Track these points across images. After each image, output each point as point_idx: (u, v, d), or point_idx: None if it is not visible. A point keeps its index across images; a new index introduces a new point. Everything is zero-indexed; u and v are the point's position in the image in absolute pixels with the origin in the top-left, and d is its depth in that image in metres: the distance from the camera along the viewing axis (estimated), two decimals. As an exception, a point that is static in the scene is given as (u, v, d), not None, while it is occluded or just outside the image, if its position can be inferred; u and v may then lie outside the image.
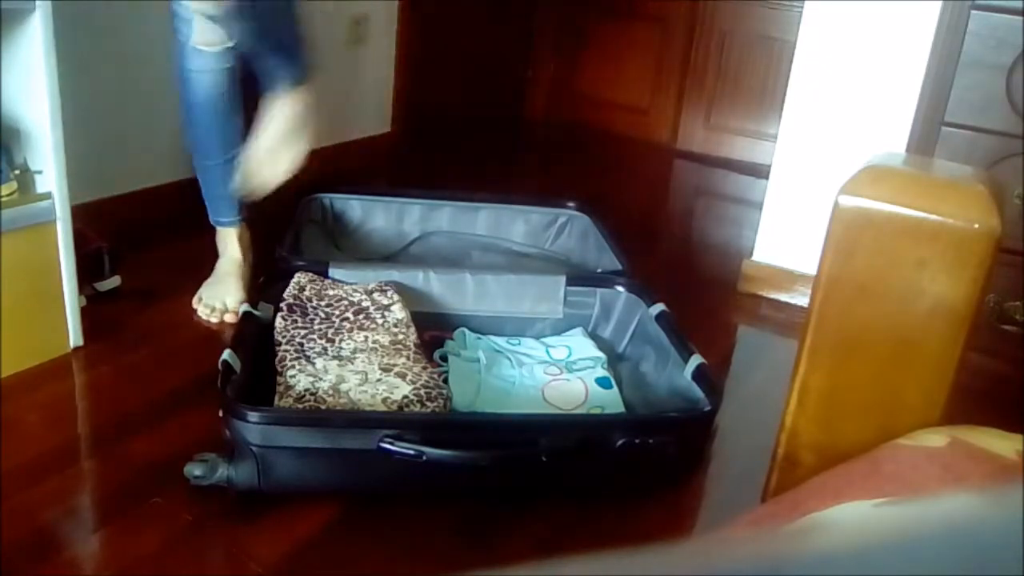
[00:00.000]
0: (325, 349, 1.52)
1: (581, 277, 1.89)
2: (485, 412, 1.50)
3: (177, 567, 1.18)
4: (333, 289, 1.69)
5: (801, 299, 2.18)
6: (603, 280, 1.88)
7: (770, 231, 2.30)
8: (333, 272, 1.76)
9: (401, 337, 1.59)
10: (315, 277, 1.71)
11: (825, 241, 1.15)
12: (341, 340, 1.55)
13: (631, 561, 0.21)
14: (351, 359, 1.50)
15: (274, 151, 1.85)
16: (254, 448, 1.25)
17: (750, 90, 3.58)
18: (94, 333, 1.70)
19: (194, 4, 1.63)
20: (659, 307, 1.74)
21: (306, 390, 1.40)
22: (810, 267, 1.27)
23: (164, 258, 2.13)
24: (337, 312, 1.63)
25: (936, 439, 1.02)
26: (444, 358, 1.65)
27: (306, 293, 1.66)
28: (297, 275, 1.69)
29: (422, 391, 1.42)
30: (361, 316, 1.62)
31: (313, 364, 1.47)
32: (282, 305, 1.62)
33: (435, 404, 1.42)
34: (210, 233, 1.95)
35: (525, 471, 1.36)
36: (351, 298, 1.67)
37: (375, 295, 1.69)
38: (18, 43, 1.51)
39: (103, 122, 2.20)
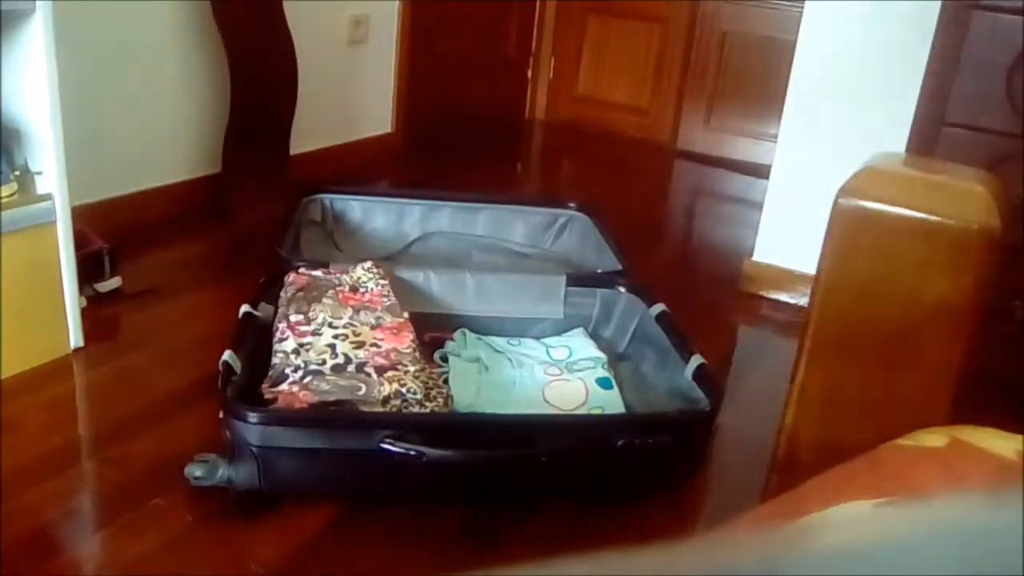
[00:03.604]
0: (319, 330, 1.53)
1: (581, 277, 1.89)
2: (485, 412, 1.50)
3: (177, 567, 1.18)
4: (326, 278, 1.71)
5: (801, 299, 2.18)
6: (603, 280, 1.88)
7: (770, 231, 2.30)
8: (333, 272, 1.76)
9: (389, 304, 1.64)
10: (307, 273, 1.72)
11: (825, 241, 1.15)
12: (337, 319, 1.57)
13: (631, 561, 0.21)
14: (346, 326, 1.54)
15: None
16: (254, 448, 1.25)
17: (750, 90, 3.58)
18: (94, 334, 1.70)
19: None
20: (659, 307, 1.74)
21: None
22: (810, 267, 1.27)
23: (164, 258, 2.13)
24: (331, 299, 1.64)
25: (936, 439, 1.02)
26: (444, 359, 1.65)
27: (301, 293, 1.66)
28: (292, 275, 1.70)
29: (420, 391, 1.42)
30: (356, 293, 1.66)
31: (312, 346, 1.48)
32: (280, 306, 1.62)
33: (435, 404, 1.42)
34: (210, 233, 1.95)
35: (525, 471, 1.36)
36: (342, 284, 1.69)
37: (362, 276, 1.72)
38: (18, 43, 1.51)
39: (103, 122, 2.20)
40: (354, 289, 1.68)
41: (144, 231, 2.21)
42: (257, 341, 1.52)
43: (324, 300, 1.61)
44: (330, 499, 1.32)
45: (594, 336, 1.81)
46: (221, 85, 2.39)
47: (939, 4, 1.89)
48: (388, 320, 1.58)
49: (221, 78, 2.39)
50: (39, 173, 1.57)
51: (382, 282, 1.71)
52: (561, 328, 1.83)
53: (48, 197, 1.56)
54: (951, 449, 0.99)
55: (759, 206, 2.32)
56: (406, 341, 1.52)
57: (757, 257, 2.32)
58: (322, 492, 1.32)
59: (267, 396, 1.37)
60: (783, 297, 2.27)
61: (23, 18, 1.47)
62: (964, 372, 1.13)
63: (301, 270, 1.71)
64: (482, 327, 1.78)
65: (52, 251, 1.59)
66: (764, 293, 2.30)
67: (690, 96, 3.75)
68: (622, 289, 1.84)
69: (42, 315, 1.61)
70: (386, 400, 1.38)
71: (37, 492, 1.28)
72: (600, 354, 1.71)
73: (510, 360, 1.68)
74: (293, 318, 1.54)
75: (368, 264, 1.76)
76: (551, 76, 4.05)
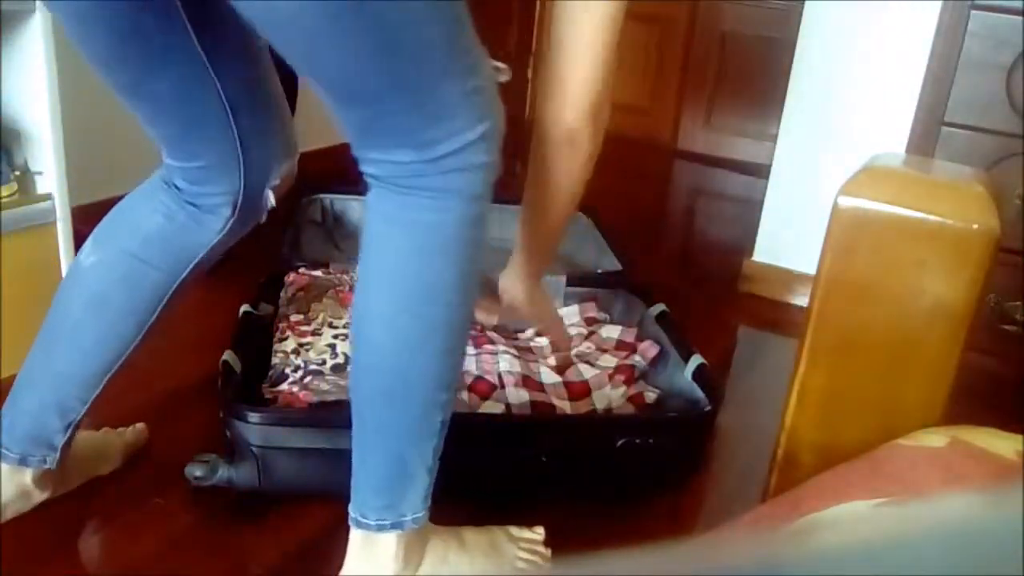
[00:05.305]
0: (319, 330, 1.53)
1: (581, 277, 1.89)
2: (484, 412, 1.50)
3: (178, 568, 1.18)
4: (326, 278, 1.71)
5: (801, 299, 2.18)
6: (603, 280, 1.88)
7: (770, 231, 2.30)
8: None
9: None
10: (307, 273, 1.72)
11: (825, 241, 1.15)
12: (337, 319, 1.56)
13: (631, 561, 0.21)
14: (346, 326, 1.53)
15: None
16: (255, 449, 1.25)
17: (750, 90, 3.58)
18: (94, 334, 1.70)
19: None
20: (659, 307, 1.74)
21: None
22: (810, 267, 1.27)
23: (164, 258, 2.13)
24: (331, 299, 1.64)
25: (936, 439, 1.02)
26: (444, 358, 1.65)
27: (301, 293, 1.66)
28: (292, 275, 1.70)
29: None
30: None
31: (312, 347, 1.48)
32: (280, 306, 1.62)
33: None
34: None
35: (525, 471, 1.36)
36: (342, 284, 1.69)
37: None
38: (18, 43, 1.51)
39: (103, 122, 2.19)
40: (354, 289, 1.68)
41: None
42: (257, 341, 1.52)
43: (324, 300, 1.61)
44: (330, 499, 1.32)
45: (594, 336, 1.81)
46: (221, 85, 2.39)
47: (939, 4, 1.89)
48: (388, 320, 1.58)
49: (221, 78, 2.39)
50: (39, 173, 1.57)
51: None
52: (561, 328, 1.83)
53: (48, 197, 1.56)
54: (951, 449, 0.99)
55: (759, 206, 2.32)
56: (406, 341, 1.52)
57: (757, 257, 2.32)
58: (322, 492, 1.32)
59: (267, 396, 1.37)
60: (783, 297, 2.27)
61: (23, 18, 1.47)
62: (964, 372, 1.13)
63: (301, 270, 1.71)
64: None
65: (52, 251, 1.59)
66: (764, 293, 2.29)
67: (690, 96, 3.75)
68: (622, 289, 1.84)
69: (42, 316, 1.61)
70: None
71: (37, 492, 1.28)
72: (600, 354, 1.70)
73: (510, 360, 1.67)
74: (293, 318, 1.55)
75: None
76: (551, 76, 4.05)
